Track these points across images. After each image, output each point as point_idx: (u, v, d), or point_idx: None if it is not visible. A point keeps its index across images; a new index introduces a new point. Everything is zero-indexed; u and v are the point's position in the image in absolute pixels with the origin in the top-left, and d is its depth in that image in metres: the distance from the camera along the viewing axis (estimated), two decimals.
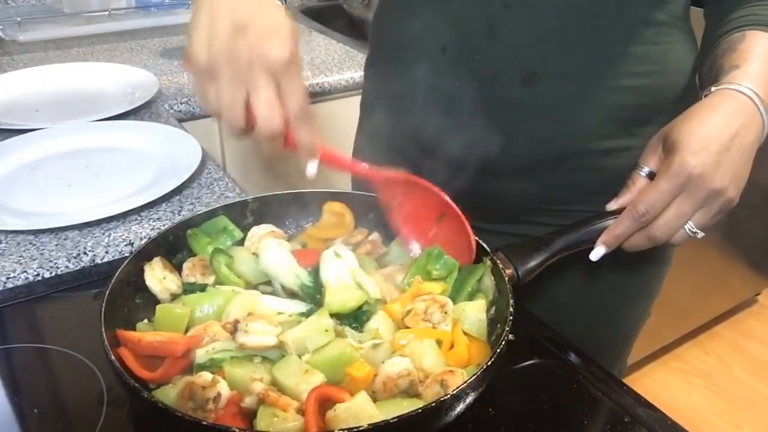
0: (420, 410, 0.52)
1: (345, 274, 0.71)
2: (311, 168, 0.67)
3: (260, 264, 0.72)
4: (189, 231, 0.76)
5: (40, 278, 0.83)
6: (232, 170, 1.51)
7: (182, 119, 1.40)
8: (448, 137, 0.84)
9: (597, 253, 0.74)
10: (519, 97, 0.78)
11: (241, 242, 0.77)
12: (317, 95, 1.57)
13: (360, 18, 2.16)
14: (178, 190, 1.00)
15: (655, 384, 2.27)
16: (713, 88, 0.72)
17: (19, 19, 1.70)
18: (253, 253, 0.74)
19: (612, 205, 0.76)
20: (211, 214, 0.78)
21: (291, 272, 0.71)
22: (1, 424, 0.62)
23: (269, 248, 0.72)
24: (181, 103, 1.40)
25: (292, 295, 0.71)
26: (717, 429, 2.13)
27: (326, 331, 0.62)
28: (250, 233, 0.78)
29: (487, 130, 0.81)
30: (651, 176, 0.74)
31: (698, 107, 0.71)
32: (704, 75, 0.80)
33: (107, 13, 1.80)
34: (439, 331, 0.64)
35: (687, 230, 0.71)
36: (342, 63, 1.65)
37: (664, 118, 0.76)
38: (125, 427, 0.63)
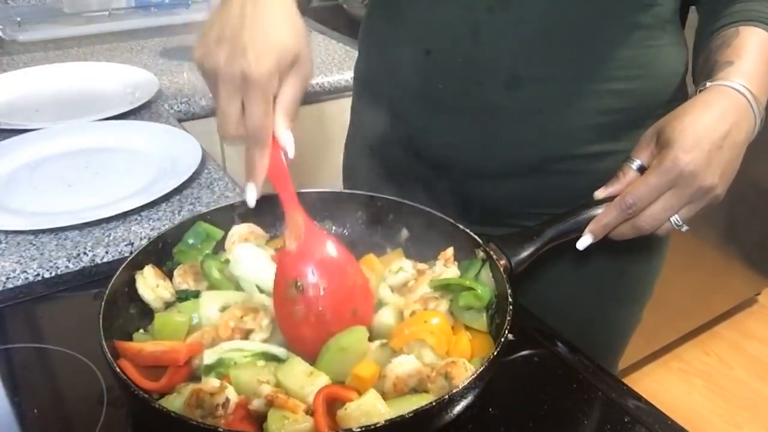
0: (434, 403, 0.52)
1: None
2: (248, 193, 0.65)
3: (235, 270, 0.71)
4: (175, 249, 0.75)
5: (40, 278, 0.83)
6: (232, 170, 1.51)
7: (182, 119, 1.40)
8: (433, 140, 0.84)
9: (584, 242, 0.74)
10: (502, 101, 0.78)
11: (222, 240, 0.77)
12: (317, 95, 1.57)
13: (360, 18, 2.16)
14: (178, 190, 1.00)
15: (655, 384, 2.27)
16: (708, 84, 0.72)
17: (19, 19, 1.70)
18: (225, 260, 0.72)
19: (600, 194, 0.76)
20: (190, 224, 0.76)
21: (268, 273, 0.70)
22: (1, 424, 0.62)
23: (243, 253, 0.71)
24: (181, 103, 1.40)
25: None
26: (717, 429, 2.13)
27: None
28: (230, 233, 0.77)
29: (471, 133, 0.81)
30: (641, 170, 0.74)
31: (692, 103, 0.71)
32: (698, 69, 0.80)
33: (107, 13, 1.79)
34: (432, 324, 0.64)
35: (672, 223, 0.72)
36: (342, 63, 1.65)
37: (653, 122, 0.75)
38: (125, 427, 0.63)
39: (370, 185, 0.97)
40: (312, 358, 0.61)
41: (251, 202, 0.66)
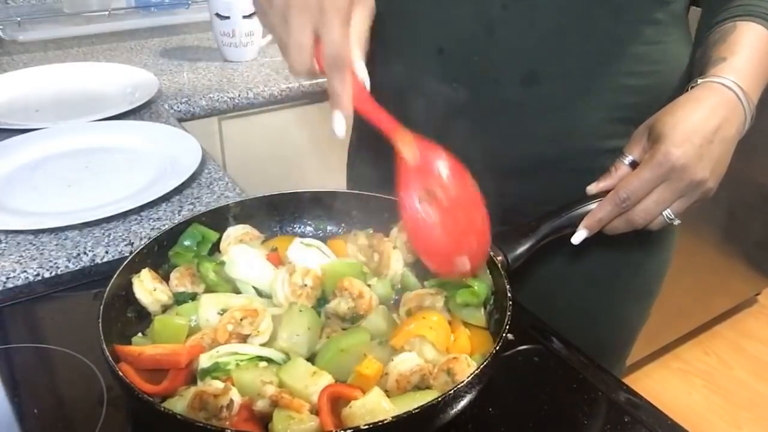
0: (440, 399, 0.52)
1: (321, 260, 0.72)
2: (336, 123, 0.63)
3: (231, 272, 0.71)
4: (171, 252, 0.75)
5: (40, 278, 0.83)
6: (232, 170, 1.51)
7: (182, 119, 1.40)
8: (445, 139, 0.84)
9: (579, 237, 0.75)
10: (519, 98, 0.78)
11: (218, 243, 0.77)
12: (317, 95, 1.57)
13: None
14: (178, 190, 1.00)
15: (655, 384, 2.27)
16: (699, 81, 0.73)
17: (19, 19, 1.70)
18: (221, 261, 0.72)
19: (592, 189, 0.76)
20: (185, 226, 0.76)
21: (264, 274, 0.71)
22: (1, 424, 0.62)
23: (239, 255, 0.72)
24: (181, 103, 1.40)
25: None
26: (717, 429, 2.13)
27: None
28: (225, 234, 0.77)
29: (486, 131, 0.81)
30: (633, 165, 0.75)
31: (683, 100, 0.72)
32: (696, 64, 0.80)
33: (107, 13, 1.80)
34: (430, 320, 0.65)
35: (665, 217, 0.72)
36: None
37: None
38: (125, 427, 0.63)
39: (374, 184, 0.97)
40: (448, 269, 0.64)
41: (340, 132, 0.64)
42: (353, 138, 1.07)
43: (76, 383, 0.67)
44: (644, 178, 0.70)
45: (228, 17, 1.58)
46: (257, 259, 0.72)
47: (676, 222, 0.73)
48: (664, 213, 0.72)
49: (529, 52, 0.76)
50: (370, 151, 0.99)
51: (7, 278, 0.82)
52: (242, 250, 0.72)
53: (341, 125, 0.63)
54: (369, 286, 0.69)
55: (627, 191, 0.71)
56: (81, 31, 1.75)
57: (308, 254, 0.73)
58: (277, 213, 0.82)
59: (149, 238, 0.73)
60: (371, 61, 0.95)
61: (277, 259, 0.74)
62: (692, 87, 0.73)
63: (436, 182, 0.63)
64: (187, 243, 0.75)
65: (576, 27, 0.75)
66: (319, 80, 1.55)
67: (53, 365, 0.71)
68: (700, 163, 0.69)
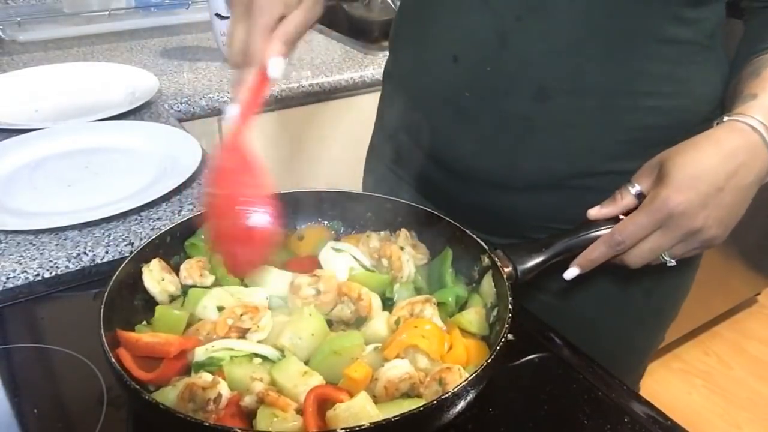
0: (422, 408, 0.52)
1: (352, 265, 0.72)
2: (230, 110, 0.70)
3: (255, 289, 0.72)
4: (187, 242, 0.75)
5: (40, 278, 0.83)
6: None
7: (182, 119, 1.40)
8: (457, 147, 0.83)
9: (570, 273, 0.73)
10: (530, 113, 0.75)
11: None
12: (316, 95, 1.57)
13: (360, 18, 2.16)
14: (178, 190, 1.00)
15: (655, 384, 2.27)
16: (725, 119, 0.69)
17: (19, 19, 1.70)
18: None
19: (593, 213, 0.74)
20: (198, 219, 0.76)
21: (279, 285, 0.72)
22: (1, 424, 0.62)
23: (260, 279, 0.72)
24: (181, 103, 1.40)
25: None
26: (717, 429, 2.13)
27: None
28: None
29: (496, 143, 0.79)
30: (639, 196, 0.72)
31: (701, 139, 0.69)
32: (728, 96, 0.76)
33: (107, 13, 1.80)
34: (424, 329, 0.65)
35: (660, 257, 0.70)
36: (342, 63, 1.65)
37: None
38: (125, 427, 0.63)
39: (389, 186, 0.96)
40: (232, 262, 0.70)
41: (230, 113, 0.69)
42: (373, 136, 1.07)
43: (76, 383, 0.67)
44: (640, 223, 0.68)
45: (228, 17, 1.57)
46: (273, 274, 0.72)
47: (671, 263, 0.71)
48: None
49: (541, 66, 0.73)
50: (387, 150, 0.99)
51: (7, 278, 0.82)
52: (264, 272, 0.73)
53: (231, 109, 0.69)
54: (384, 295, 0.71)
55: (622, 235, 0.69)
56: (81, 31, 1.75)
57: (339, 259, 0.73)
58: (292, 210, 0.82)
59: (149, 238, 0.73)
60: (393, 57, 0.96)
61: (296, 266, 0.74)
62: (717, 123, 0.69)
63: (225, 182, 0.69)
64: (204, 236, 0.76)
65: (590, 43, 0.71)
66: (319, 81, 1.55)
67: (53, 365, 0.71)
68: (703, 211, 0.66)
